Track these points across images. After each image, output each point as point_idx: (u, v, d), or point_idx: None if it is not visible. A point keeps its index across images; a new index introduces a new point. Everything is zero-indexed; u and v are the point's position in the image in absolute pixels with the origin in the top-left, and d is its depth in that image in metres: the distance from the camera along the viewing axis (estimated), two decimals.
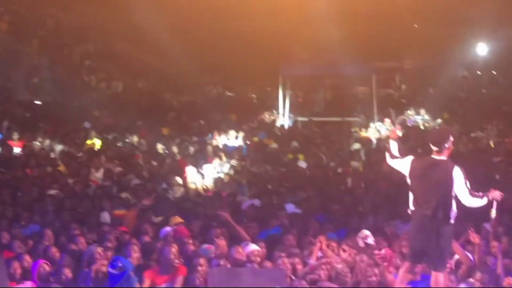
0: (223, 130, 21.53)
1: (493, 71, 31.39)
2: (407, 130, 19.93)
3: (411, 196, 8.17)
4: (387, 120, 22.75)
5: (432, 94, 27.52)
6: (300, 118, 24.99)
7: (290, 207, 12.60)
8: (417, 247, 8.15)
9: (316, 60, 25.73)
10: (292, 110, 25.20)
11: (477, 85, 30.20)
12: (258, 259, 9.59)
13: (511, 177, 14.83)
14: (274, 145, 20.04)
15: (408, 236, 8.46)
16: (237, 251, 9.59)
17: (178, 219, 11.28)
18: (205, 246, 10.05)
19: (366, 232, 10.43)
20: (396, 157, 8.32)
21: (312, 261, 9.67)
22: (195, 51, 26.09)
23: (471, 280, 9.03)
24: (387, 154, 8.43)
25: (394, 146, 8.41)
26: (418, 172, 8.07)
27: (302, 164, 17.02)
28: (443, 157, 8.07)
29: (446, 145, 8.07)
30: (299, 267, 9.50)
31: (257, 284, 8.08)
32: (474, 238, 9.45)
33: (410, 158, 8.24)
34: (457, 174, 7.96)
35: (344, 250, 9.73)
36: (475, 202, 7.96)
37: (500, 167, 15.55)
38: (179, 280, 9.01)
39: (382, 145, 19.29)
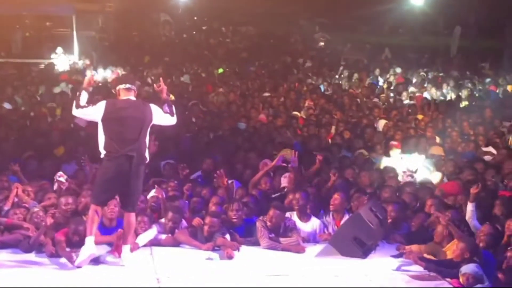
0: None
1: (194, 17, 32.46)
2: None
3: (104, 140, 8.00)
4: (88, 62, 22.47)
5: (134, 38, 27.77)
6: None
7: None
8: (111, 190, 8.11)
9: None
10: None
11: (179, 29, 31.01)
12: None
13: (200, 117, 15.60)
14: None
15: (98, 179, 8.24)
16: None
17: None
18: None
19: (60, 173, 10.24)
20: (84, 106, 8.07)
21: (7, 207, 9.37)
22: None
23: (162, 220, 9.30)
24: (73, 105, 8.13)
25: (84, 97, 8.13)
26: (115, 114, 7.97)
27: (7, 106, 16.25)
28: (134, 98, 8.18)
29: (135, 86, 8.26)
30: None
31: None
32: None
33: (102, 102, 8.11)
34: (154, 108, 8.17)
35: (49, 198, 9.52)
36: (174, 118, 8.35)
37: (194, 110, 16.18)
38: None
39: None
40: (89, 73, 19.94)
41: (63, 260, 8.27)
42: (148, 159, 8.18)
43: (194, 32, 31.13)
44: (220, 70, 23.75)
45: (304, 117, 16.53)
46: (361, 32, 31.59)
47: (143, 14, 29.67)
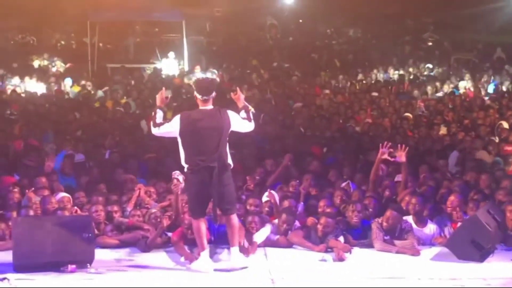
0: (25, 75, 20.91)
1: (300, 20, 32.44)
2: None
3: (184, 154, 7.95)
4: (198, 67, 22.89)
5: (242, 42, 28.07)
6: (110, 65, 24.52)
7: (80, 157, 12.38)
8: (203, 201, 8.05)
9: (125, 5, 25.24)
10: (101, 56, 24.71)
11: (285, 32, 31.11)
12: (69, 205, 9.47)
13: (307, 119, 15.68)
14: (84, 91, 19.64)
15: (188, 193, 8.31)
16: (49, 202, 9.42)
17: None
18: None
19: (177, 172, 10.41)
20: (160, 124, 8.01)
21: (129, 208, 9.68)
22: None
23: (276, 221, 9.35)
24: (151, 125, 8.17)
25: (159, 115, 8.07)
26: (191, 127, 7.87)
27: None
28: (210, 106, 8.01)
29: (213, 94, 8.02)
30: (117, 214, 9.42)
31: (62, 231, 8.04)
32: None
33: (177, 117, 8.00)
34: (232, 114, 8.04)
35: (169, 199, 9.77)
36: (252, 124, 8.18)
37: (302, 112, 16.28)
38: None
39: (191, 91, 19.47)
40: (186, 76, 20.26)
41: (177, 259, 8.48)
42: (232, 165, 8.06)
43: (304, 35, 31.13)
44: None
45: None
46: (470, 31, 30.79)
47: (250, 18, 29.95)
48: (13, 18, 27.12)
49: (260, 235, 8.90)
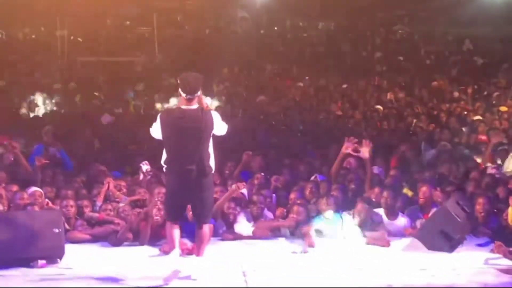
0: None
1: (271, 12, 32.39)
2: None
3: (164, 153, 7.43)
4: None
5: (212, 35, 28.00)
6: (80, 58, 24.31)
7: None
8: (178, 204, 7.60)
9: None
10: (71, 50, 24.51)
11: (256, 26, 31.05)
12: (40, 199, 9.35)
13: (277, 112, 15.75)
14: (57, 86, 19.48)
15: (166, 194, 7.86)
16: (20, 197, 9.27)
17: None
18: None
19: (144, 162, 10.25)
20: (153, 124, 7.49)
21: (99, 202, 9.65)
22: None
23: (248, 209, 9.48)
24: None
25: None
26: (171, 125, 7.32)
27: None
28: (195, 106, 7.41)
29: (199, 93, 7.44)
30: (87, 209, 9.38)
31: (33, 226, 7.98)
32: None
33: (158, 116, 7.48)
34: (215, 115, 7.49)
35: (139, 193, 9.75)
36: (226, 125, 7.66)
37: (273, 104, 16.34)
38: None
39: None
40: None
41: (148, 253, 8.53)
42: (213, 169, 7.51)
43: (276, 28, 31.10)
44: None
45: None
46: (441, 24, 30.97)
47: (222, 10, 29.84)
48: None
49: (240, 226, 9.06)
